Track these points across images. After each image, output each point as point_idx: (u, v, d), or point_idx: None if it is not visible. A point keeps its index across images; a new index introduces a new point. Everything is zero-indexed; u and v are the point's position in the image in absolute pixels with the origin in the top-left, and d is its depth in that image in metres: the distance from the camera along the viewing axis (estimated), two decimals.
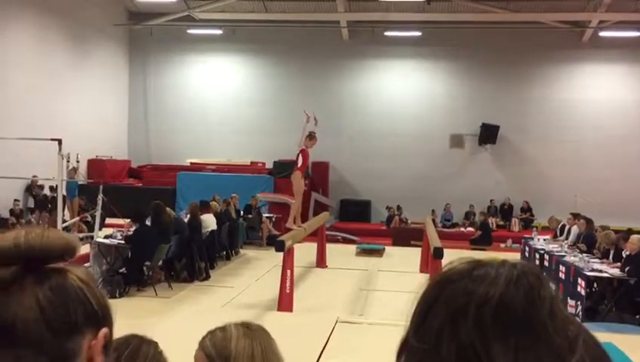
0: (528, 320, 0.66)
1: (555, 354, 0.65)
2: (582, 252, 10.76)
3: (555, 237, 13.98)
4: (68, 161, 12.28)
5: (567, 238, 13.05)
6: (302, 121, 10.84)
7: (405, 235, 17.26)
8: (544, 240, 13.25)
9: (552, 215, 15.32)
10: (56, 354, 0.78)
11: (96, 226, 11.96)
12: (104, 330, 0.85)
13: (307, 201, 17.50)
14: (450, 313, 0.67)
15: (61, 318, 0.78)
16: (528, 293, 0.67)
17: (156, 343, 1.74)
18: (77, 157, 14.92)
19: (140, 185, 20.07)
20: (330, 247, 13.88)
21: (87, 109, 19.79)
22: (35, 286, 0.78)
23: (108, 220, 14.25)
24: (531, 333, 0.65)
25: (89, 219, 13.51)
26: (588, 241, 11.41)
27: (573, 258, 10.16)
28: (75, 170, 14.88)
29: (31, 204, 17.04)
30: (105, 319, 0.86)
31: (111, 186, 16.61)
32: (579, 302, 8.93)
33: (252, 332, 1.63)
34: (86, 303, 0.82)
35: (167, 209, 11.51)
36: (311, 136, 10.32)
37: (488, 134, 20.52)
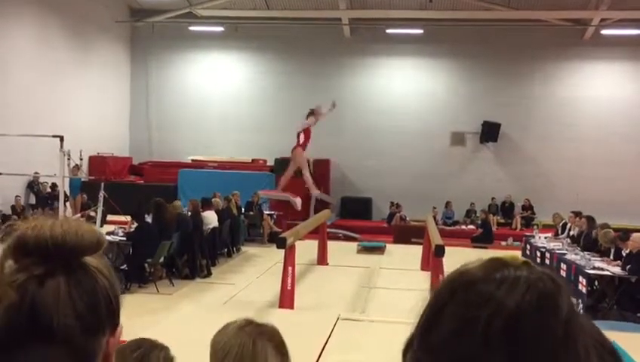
0: (538, 344, 0.62)
1: None
2: (583, 250, 10.77)
3: (556, 235, 13.98)
4: (69, 158, 12.28)
5: (568, 236, 13.05)
6: (300, 119, 10.85)
7: (406, 233, 17.26)
8: (545, 238, 13.26)
9: (556, 212, 15.29)
10: (83, 353, 0.78)
11: (98, 223, 11.97)
12: (120, 328, 0.85)
13: (308, 199, 17.49)
14: (459, 319, 0.65)
15: (92, 318, 0.78)
16: (543, 311, 0.64)
17: (167, 348, 1.73)
18: (80, 155, 14.92)
19: (142, 182, 20.08)
20: (331, 245, 13.88)
21: (88, 106, 19.79)
22: (69, 283, 0.78)
23: (109, 217, 14.27)
24: (539, 358, 0.62)
25: (93, 215, 13.51)
26: (589, 240, 11.41)
27: (575, 256, 10.17)
28: (77, 167, 14.89)
29: (32, 200, 17.07)
30: (119, 315, 0.86)
31: (112, 183, 16.63)
32: (580, 301, 8.94)
33: (251, 329, 1.60)
34: (109, 302, 0.82)
35: (177, 203, 11.54)
36: (313, 112, 10.36)
37: (490, 132, 20.50)
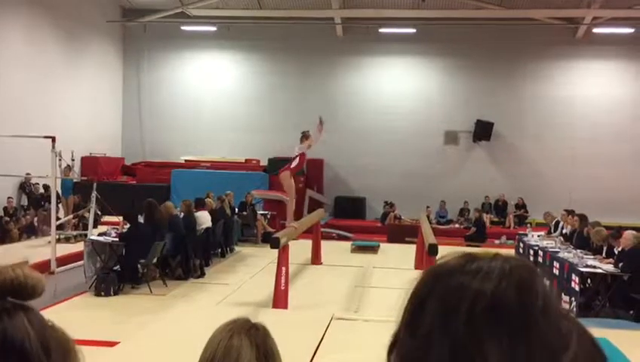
0: (521, 317, 0.65)
1: (548, 351, 0.64)
2: (576, 248, 10.81)
3: (549, 233, 14.02)
4: (60, 159, 12.22)
5: (561, 234, 13.09)
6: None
7: (400, 232, 17.28)
8: (538, 236, 13.30)
9: (548, 211, 15.36)
10: None
11: (90, 224, 11.92)
12: None
13: (302, 198, 17.51)
14: (442, 310, 0.67)
15: (48, 350, 0.88)
16: (521, 289, 0.67)
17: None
18: (72, 155, 14.82)
19: (134, 182, 20.03)
20: (325, 244, 13.87)
21: (80, 107, 19.71)
22: (29, 319, 0.88)
23: (104, 218, 14.23)
24: (524, 330, 0.65)
25: (87, 215, 13.46)
26: (581, 238, 11.45)
27: (567, 254, 10.20)
28: (69, 167, 14.82)
29: (24, 201, 16.99)
30: None
31: (105, 184, 16.59)
32: (573, 298, 8.97)
33: (233, 326, 1.62)
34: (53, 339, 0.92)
35: (169, 203, 11.50)
36: (306, 136, 10.11)
37: (483, 131, 20.55)
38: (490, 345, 0.64)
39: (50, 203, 12.39)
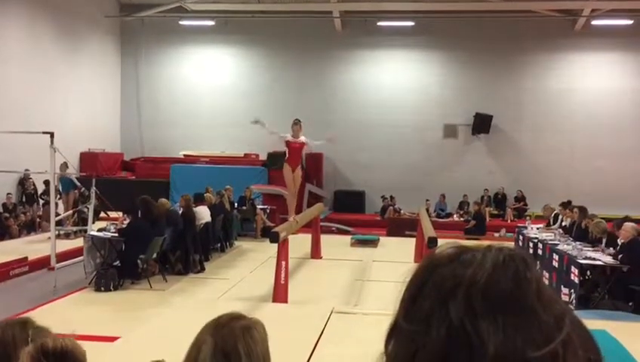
0: (516, 299, 0.67)
1: (543, 331, 0.66)
2: (575, 240, 10.81)
3: (548, 225, 14.03)
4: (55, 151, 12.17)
5: (560, 227, 13.10)
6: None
7: (400, 225, 17.30)
8: (537, 229, 13.30)
9: (547, 203, 15.38)
10: None
11: (90, 219, 11.92)
12: None
13: (301, 193, 17.48)
14: (439, 295, 0.69)
15: None
16: (515, 275, 0.69)
17: (25, 322, 1.70)
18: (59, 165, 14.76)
19: (134, 178, 20.02)
20: (324, 238, 13.88)
21: (79, 102, 19.68)
22: None
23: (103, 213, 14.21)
24: (519, 312, 0.67)
25: (86, 211, 13.42)
26: (581, 230, 11.45)
27: (567, 246, 10.21)
28: (66, 165, 14.78)
29: (24, 197, 16.98)
30: None
31: (104, 179, 16.57)
32: (572, 290, 8.98)
33: (218, 322, 1.63)
34: None
35: (163, 200, 11.49)
36: (294, 123, 10.10)
37: (482, 124, 20.53)
38: (487, 325, 0.66)
39: (44, 199, 12.37)
